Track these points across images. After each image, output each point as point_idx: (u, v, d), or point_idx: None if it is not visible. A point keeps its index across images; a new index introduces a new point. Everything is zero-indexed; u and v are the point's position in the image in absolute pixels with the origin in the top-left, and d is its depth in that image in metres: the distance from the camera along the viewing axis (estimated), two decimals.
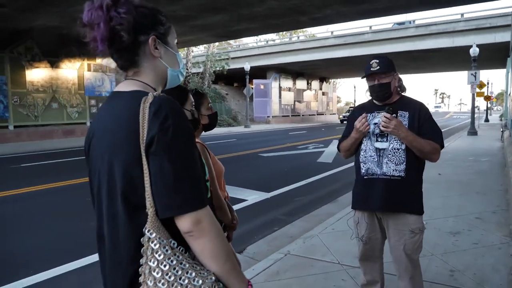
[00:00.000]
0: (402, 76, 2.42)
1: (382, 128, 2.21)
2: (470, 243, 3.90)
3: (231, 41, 42.29)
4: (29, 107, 16.67)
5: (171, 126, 0.99)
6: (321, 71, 38.72)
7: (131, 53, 1.11)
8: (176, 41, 1.22)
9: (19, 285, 3.31)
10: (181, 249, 1.01)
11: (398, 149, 2.23)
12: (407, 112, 2.28)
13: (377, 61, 2.28)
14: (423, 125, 2.27)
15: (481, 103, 42.10)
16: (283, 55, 32.15)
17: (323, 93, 44.56)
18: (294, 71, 36.81)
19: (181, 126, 1.01)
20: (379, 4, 13.27)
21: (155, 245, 0.98)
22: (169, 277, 0.96)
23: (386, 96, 2.31)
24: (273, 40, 41.62)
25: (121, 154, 1.02)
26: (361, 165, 2.32)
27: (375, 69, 2.26)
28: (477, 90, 18.90)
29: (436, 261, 3.45)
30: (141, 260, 0.99)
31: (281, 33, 47.08)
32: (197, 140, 2.00)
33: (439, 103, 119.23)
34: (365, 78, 2.36)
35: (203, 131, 2.12)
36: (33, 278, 3.43)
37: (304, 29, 46.63)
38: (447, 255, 3.58)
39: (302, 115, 39.62)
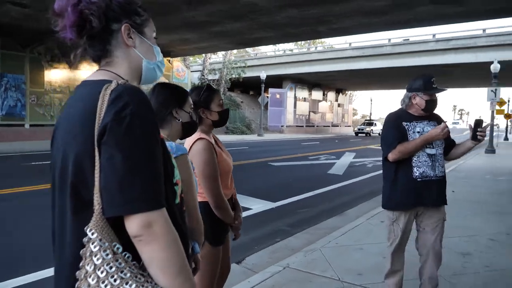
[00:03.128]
0: None
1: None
2: (481, 266, 3.68)
3: (249, 49, 42.54)
4: (46, 107, 16.94)
5: (129, 115, 0.90)
6: (337, 82, 38.46)
7: (103, 42, 1.05)
8: (154, 35, 1.17)
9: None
10: (126, 255, 0.89)
11: (441, 154, 2.68)
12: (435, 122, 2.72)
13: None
14: None
15: (500, 121, 41.12)
16: (300, 65, 32.05)
17: (339, 105, 44.20)
18: (310, 81, 36.65)
19: (142, 117, 0.92)
20: (400, 16, 13.09)
21: (94, 247, 0.86)
22: (105, 286, 0.85)
23: None
24: (291, 50, 41.62)
25: (74, 144, 0.94)
26: (415, 169, 2.61)
27: (435, 86, 2.65)
28: (497, 107, 18.45)
29: (443, 283, 3.24)
30: (80, 263, 0.88)
31: (299, 43, 47.21)
32: (204, 137, 2.01)
33: (457, 119, 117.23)
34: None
35: (213, 127, 2.11)
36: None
37: (322, 40, 46.60)
38: (456, 277, 3.38)
39: (317, 126, 39.36)
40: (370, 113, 59.67)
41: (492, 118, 19.03)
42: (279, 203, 6.53)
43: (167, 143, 1.58)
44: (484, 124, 2.61)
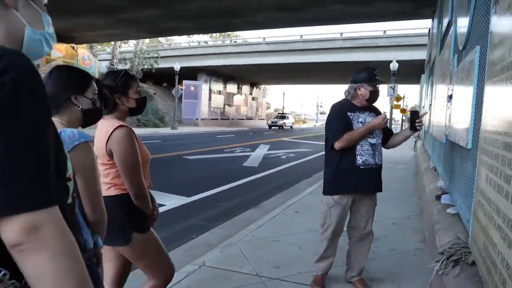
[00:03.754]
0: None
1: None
2: (388, 249, 3.88)
3: (162, 39, 41.13)
4: None
5: (10, 84, 0.66)
6: (252, 76, 39.01)
7: None
8: (46, 1, 0.92)
9: None
10: (1, 273, 0.66)
11: (380, 143, 2.88)
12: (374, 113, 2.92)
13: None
14: None
15: (397, 115, 45.46)
16: (215, 58, 31.82)
17: (253, 98, 44.95)
18: (225, 74, 36.65)
19: (29, 88, 0.69)
20: (312, 13, 13.58)
21: None
22: None
23: None
24: (206, 42, 41.17)
25: None
26: (358, 157, 2.77)
27: (378, 78, 2.82)
28: (395, 102, 20.22)
29: None
30: None
31: (214, 35, 46.94)
32: (124, 124, 1.90)
33: None
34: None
35: (129, 115, 2.03)
36: None
37: (237, 34, 46.91)
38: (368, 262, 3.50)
39: (232, 119, 39.57)
40: (283, 107, 61.80)
41: (391, 112, 20.82)
42: (194, 198, 6.31)
43: (68, 130, 1.37)
44: (420, 114, 2.86)
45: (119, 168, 1.87)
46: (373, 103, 2.94)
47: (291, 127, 42.16)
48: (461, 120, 2.71)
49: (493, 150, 1.54)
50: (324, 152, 3.02)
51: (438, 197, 4.03)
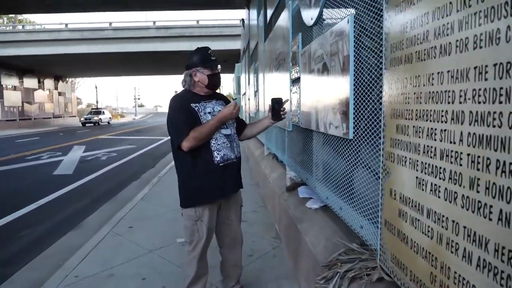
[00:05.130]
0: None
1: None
2: (246, 256, 3.40)
3: None
4: None
5: None
6: (55, 68, 34.40)
7: None
8: None
9: None
10: None
11: (235, 133, 2.50)
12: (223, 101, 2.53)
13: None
14: None
15: None
16: (3, 47, 26.42)
17: (60, 94, 39.84)
18: (20, 67, 31.11)
19: None
20: None
21: None
22: None
23: None
24: None
25: None
26: (215, 153, 2.33)
27: (214, 58, 2.39)
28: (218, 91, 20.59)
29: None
30: None
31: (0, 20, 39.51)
32: None
33: None
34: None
35: None
36: None
37: (31, 19, 40.54)
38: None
39: (34, 119, 34.14)
40: (97, 101, 57.13)
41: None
42: None
43: None
44: (283, 101, 2.51)
45: None
46: (216, 89, 2.51)
47: (108, 122, 39.09)
48: (327, 105, 2.34)
49: (436, 146, 1.10)
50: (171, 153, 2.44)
51: (289, 189, 3.78)
